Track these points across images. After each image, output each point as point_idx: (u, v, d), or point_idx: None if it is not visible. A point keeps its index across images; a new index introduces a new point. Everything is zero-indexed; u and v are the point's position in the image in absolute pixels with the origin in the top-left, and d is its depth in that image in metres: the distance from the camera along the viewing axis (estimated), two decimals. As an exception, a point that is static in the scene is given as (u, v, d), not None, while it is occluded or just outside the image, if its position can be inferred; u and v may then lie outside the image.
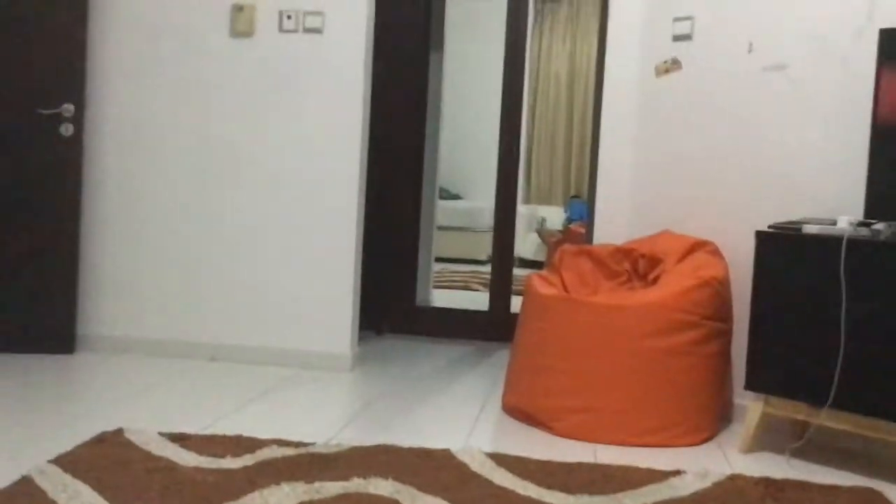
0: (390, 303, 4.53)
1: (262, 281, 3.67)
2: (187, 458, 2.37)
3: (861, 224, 2.59)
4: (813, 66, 2.96)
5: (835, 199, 2.89)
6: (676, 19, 3.34)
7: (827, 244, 2.53)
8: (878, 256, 2.45)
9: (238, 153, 3.67)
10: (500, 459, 2.50)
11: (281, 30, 3.59)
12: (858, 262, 2.47)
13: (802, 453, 2.77)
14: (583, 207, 6.62)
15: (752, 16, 3.12)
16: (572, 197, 7.76)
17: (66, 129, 3.59)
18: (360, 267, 3.72)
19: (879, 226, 2.58)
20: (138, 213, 3.73)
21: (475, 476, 2.35)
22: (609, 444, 2.79)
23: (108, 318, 3.76)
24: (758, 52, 3.10)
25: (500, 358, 4.05)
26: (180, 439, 2.53)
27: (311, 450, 2.49)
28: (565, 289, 3.22)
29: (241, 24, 3.60)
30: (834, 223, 2.64)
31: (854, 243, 2.48)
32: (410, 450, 2.54)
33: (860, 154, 2.74)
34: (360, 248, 3.71)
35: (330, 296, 3.64)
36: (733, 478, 2.44)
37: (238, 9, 3.60)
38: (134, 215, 3.73)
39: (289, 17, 3.57)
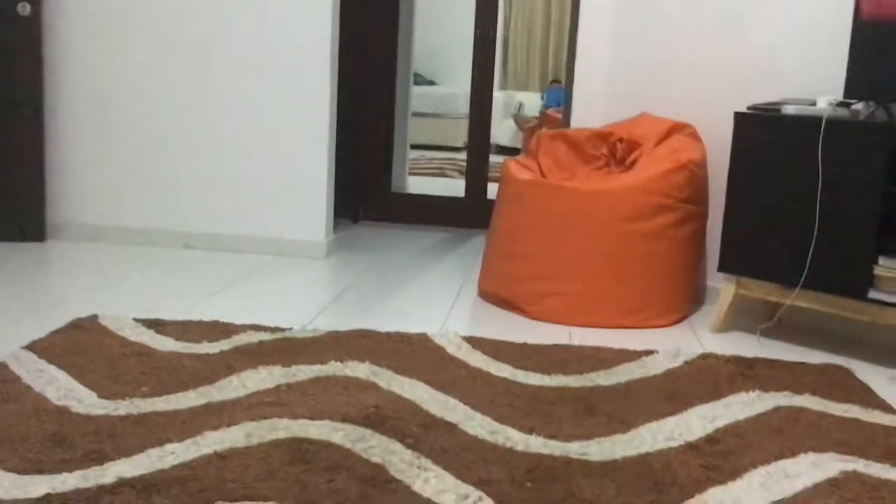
0: (366, 190, 4.49)
1: (236, 168, 3.61)
2: (163, 343, 2.37)
3: (840, 104, 2.56)
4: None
5: (816, 81, 2.84)
6: None
7: (806, 124, 2.50)
8: (855, 136, 2.43)
9: (208, 40, 3.53)
10: (476, 342, 2.52)
11: None
12: (836, 143, 2.45)
13: (773, 333, 2.82)
14: (560, 94, 6.52)
15: None
16: (552, 82, 7.63)
17: (24, 9, 3.43)
18: (333, 154, 3.65)
19: (858, 106, 2.56)
20: (107, 100, 3.62)
21: (452, 359, 2.38)
22: (584, 326, 2.82)
23: (78, 206, 3.69)
24: (743, -75, 2.98)
25: (477, 244, 4.05)
26: (156, 325, 2.53)
27: (287, 335, 2.50)
28: (542, 174, 3.19)
29: None
30: (814, 104, 2.61)
31: (833, 123, 2.46)
32: (387, 334, 2.56)
33: (843, 34, 2.68)
34: (334, 136, 3.64)
35: (304, 183, 3.59)
36: (705, 356, 2.49)
37: None
38: (102, 101, 3.62)
39: None
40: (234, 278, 3.23)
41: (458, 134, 5.91)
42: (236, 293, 3.03)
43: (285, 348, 2.37)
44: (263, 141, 3.58)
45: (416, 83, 5.82)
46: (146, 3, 3.54)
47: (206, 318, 2.65)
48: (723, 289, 2.81)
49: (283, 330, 2.55)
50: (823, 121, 2.45)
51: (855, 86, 2.54)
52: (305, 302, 2.97)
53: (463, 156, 4.64)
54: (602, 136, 3.26)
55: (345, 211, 4.35)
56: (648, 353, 2.51)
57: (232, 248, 3.64)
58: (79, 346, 2.31)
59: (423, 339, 2.52)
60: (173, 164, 3.63)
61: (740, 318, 2.93)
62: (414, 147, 5.38)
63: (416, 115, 5.32)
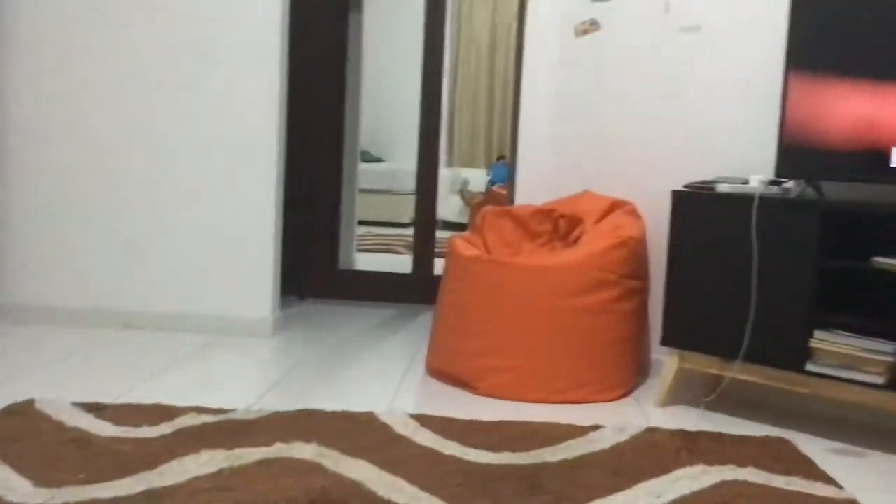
0: (313, 267, 4.49)
1: (179, 244, 3.58)
2: (102, 428, 2.31)
3: (772, 183, 2.66)
4: (727, 28, 3.00)
5: (748, 159, 2.95)
6: (595, -20, 3.34)
7: (739, 202, 2.59)
8: (787, 214, 2.52)
9: (152, 113, 3.54)
10: (423, 420, 2.51)
11: (193, -14, 3.48)
12: (769, 220, 2.54)
13: (717, 405, 2.86)
14: (505, 170, 6.65)
15: (668, -23, 3.15)
16: (497, 158, 7.78)
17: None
18: (280, 231, 3.65)
19: (789, 184, 2.66)
20: (43, 173, 3.58)
21: (399, 437, 2.36)
22: (531, 401, 2.82)
23: (10, 285, 3.62)
24: (674, 13, 3.13)
25: (424, 320, 4.05)
26: (94, 409, 2.46)
27: (231, 416, 2.45)
28: (487, 250, 3.23)
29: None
30: (746, 182, 2.71)
31: (765, 201, 2.55)
32: (334, 414, 2.53)
33: (772, 114, 2.80)
34: (281, 212, 3.65)
35: (250, 259, 3.57)
36: (650, 431, 2.51)
37: (146, -37, 3.47)
38: (38, 174, 3.58)
39: (200, -28, 3.45)
40: (176, 358, 3.17)
41: (406, 210, 5.96)
42: (178, 374, 2.98)
43: (229, 430, 2.33)
44: (207, 217, 3.56)
45: (363, 160, 5.88)
46: (83, 75, 3.55)
47: (147, 401, 2.59)
48: (666, 362, 2.85)
49: (226, 411, 2.50)
50: (756, 199, 2.55)
51: (785, 165, 2.65)
52: (250, 382, 2.93)
53: (410, 232, 4.68)
54: (545, 213, 3.33)
55: (291, 288, 4.33)
56: (595, 427, 2.52)
57: (174, 328, 3.59)
58: (13, 432, 2.24)
59: (370, 418, 2.50)
60: (111, 241, 3.59)
61: (685, 391, 2.97)
62: (362, 223, 5.41)
63: (363, 191, 5.36)
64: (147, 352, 3.25)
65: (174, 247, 3.58)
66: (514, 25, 4.24)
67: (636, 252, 2.99)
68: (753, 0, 2.93)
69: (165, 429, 2.33)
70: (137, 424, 2.35)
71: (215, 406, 2.57)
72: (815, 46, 2.58)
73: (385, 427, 2.43)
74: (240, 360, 3.21)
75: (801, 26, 2.62)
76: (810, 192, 2.60)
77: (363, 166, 5.77)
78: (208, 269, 3.58)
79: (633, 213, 3.17)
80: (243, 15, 3.47)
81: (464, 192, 7.31)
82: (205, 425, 2.36)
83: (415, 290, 4.48)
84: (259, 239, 3.56)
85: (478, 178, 7.61)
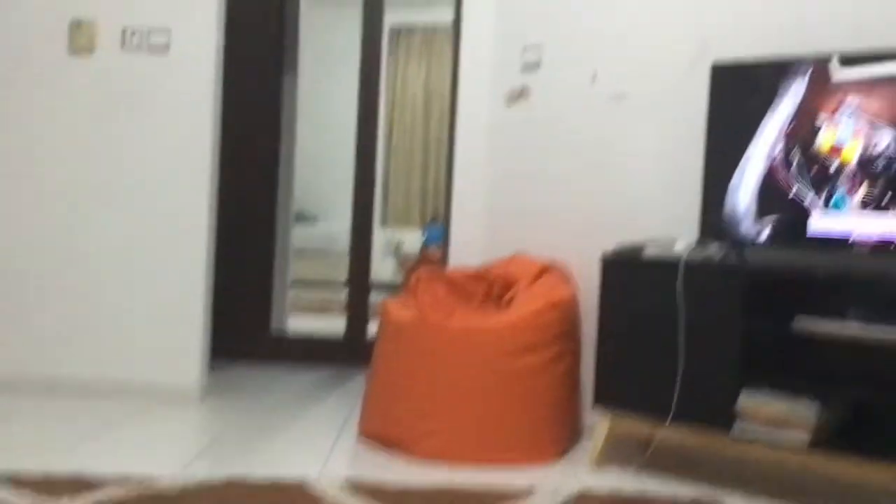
0: (244, 330, 4.41)
1: (105, 308, 3.49)
2: (21, 500, 2.20)
3: (697, 247, 2.73)
4: (651, 95, 3.12)
5: (674, 221, 3.04)
6: (525, 48, 3.44)
7: (666, 266, 2.66)
8: (711, 277, 2.59)
9: (76, 174, 3.48)
10: (355, 486, 2.46)
11: (124, 48, 3.45)
12: (695, 284, 2.60)
13: (649, 466, 2.88)
14: (439, 231, 6.70)
15: (595, 46, 3.26)
16: (432, 219, 7.83)
17: None
18: (210, 293, 3.60)
19: (714, 248, 2.74)
20: (-35, 239, 3.48)
21: (330, 505, 2.31)
22: (466, 464, 2.80)
23: (-70, 353, 3.47)
24: (601, 81, 3.24)
25: (357, 383, 4.01)
26: (13, 480, 2.35)
27: (155, 486, 2.37)
28: (421, 313, 3.23)
29: (80, 41, 3.43)
30: (673, 246, 2.78)
31: (690, 265, 2.62)
32: (262, 482, 2.47)
33: (696, 179, 2.89)
34: (211, 274, 3.60)
35: (179, 323, 3.50)
36: (583, 493, 2.51)
37: (76, 25, 3.43)
38: (-40, 241, 3.48)
39: (133, 34, 3.44)
40: (101, 426, 3.07)
41: (340, 271, 5.92)
42: (103, 442, 2.87)
43: (153, 500, 2.25)
44: (135, 279, 3.49)
45: (298, 220, 5.86)
46: (6, 141, 3.48)
47: (69, 472, 2.49)
48: (599, 424, 2.86)
49: (151, 481, 2.42)
50: (681, 263, 2.61)
51: (708, 229, 2.73)
52: (177, 449, 2.84)
53: (344, 293, 4.65)
54: (479, 276, 3.36)
55: (221, 351, 4.25)
56: (529, 492, 2.51)
57: (99, 394, 3.47)
58: (-79, 508, 2.12)
59: (300, 486, 2.44)
60: (32, 304, 3.48)
61: (618, 452, 2.98)
62: (295, 284, 5.37)
63: (297, 252, 5.33)
64: (70, 419, 3.13)
65: (99, 311, 3.49)
66: (448, 90, 4.34)
67: (568, 314, 3.02)
68: (676, 71, 3.05)
69: (87, 499, 2.24)
70: (58, 495, 2.26)
71: (140, 475, 2.48)
72: (734, 116, 2.69)
73: (316, 496, 2.38)
74: (167, 427, 3.12)
75: (720, 96, 2.73)
76: (733, 256, 2.68)
77: (298, 226, 5.75)
78: (135, 333, 3.49)
79: (565, 275, 3.21)
80: (177, 73, 3.46)
81: (398, 254, 7.33)
82: (128, 496, 2.27)
83: (348, 352, 4.44)
84: (188, 302, 3.50)
85: (412, 239, 7.64)
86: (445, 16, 5.89)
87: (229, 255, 4.22)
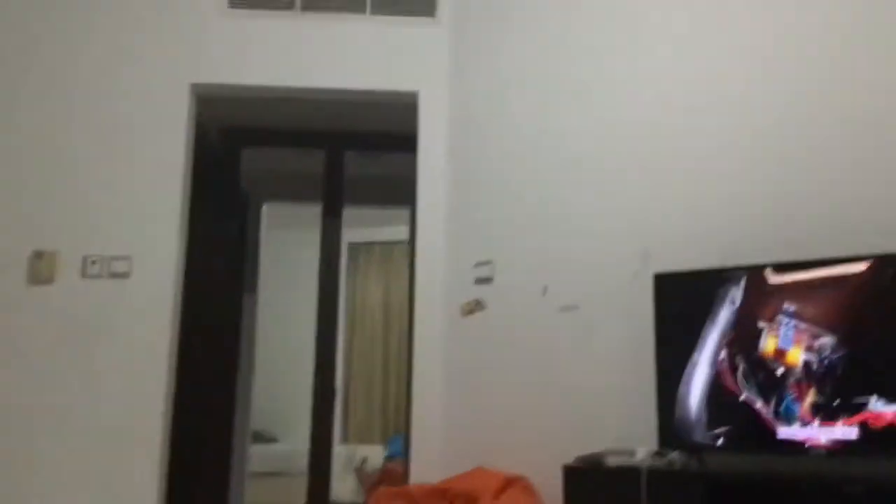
0: (197, 560, 4.18)
1: (49, 545, 3.30)
2: None
3: (657, 454, 2.72)
4: (600, 306, 3.21)
5: (633, 429, 3.03)
6: (478, 263, 3.57)
7: (628, 476, 2.63)
8: (672, 485, 2.57)
9: (31, 401, 3.41)
10: None
11: (84, 276, 3.50)
12: (657, 491, 2.57)
13: None
14: (402, 443, 6.56)
15: (545, 261, 3.39)
16: (395, 433, 7.68)
17: None
18: (162, 523, 3.44)
19: (673, 455, 2.73)
20: None
21: None
22: None
23: None
24: (552, 294, 3.34)
25: None
26: None
27: None
28: (382, 535, 3.12)
29: (40, 272, 3.48)
30: (633, 454, 2.76)
31: (652, 473, 2.60)
32: None
33: (650, 387, 2.92)
34: (164, 500, 3.45)
35: (126, 558, 3.32)
36: None
37: (38, 256, 3.50)
38: None
39: (93, 262, 3.51)
40: None
41: (300, 493, 5.73)
42: None
43: None
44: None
45: (256, 440, 5.72)
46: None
47: None
48: None
49: None
50: (644, 471, 2.59)
51: (667, 436, 2.73)
52: None
53: (303, 516, 4.48)
54: (440, 492, 3.27)
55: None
56: None
57: None
58: None
59: None
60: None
61: None
62: (252, 508, 5.15)
63: (255, 474, 5.17)
64: None
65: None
66: (406, 304, 4.44)
67: (533, 530, 2.93)
68: (623, 281, 3.17)
69: None
70: None
71: None
72: (679, 325, 2.78)
73: None
74: None
75: (664, 306, 2.83)
76: (694, 464, 2.67)
77: (256, 447, 5.61)
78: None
79: (528, 489, 3.15)
80: (137, 298, 3.50)
81: (360, 471, 7.11)
82: None
83: (308, 580, 4.20)
84: (138, 533, 3.34)
85: (375, 454, 7.44)
86: (401, 234, 6.12)
87: (183, 481, 4.06)
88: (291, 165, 5.02)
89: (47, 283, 3.49)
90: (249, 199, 4.90)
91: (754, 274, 2.67)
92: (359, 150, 4.73)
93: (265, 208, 5.08)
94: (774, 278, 2.64)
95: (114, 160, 3.62)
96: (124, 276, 3.51)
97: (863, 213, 2.73)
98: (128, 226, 3.56)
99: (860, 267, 2.50)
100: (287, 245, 7.22)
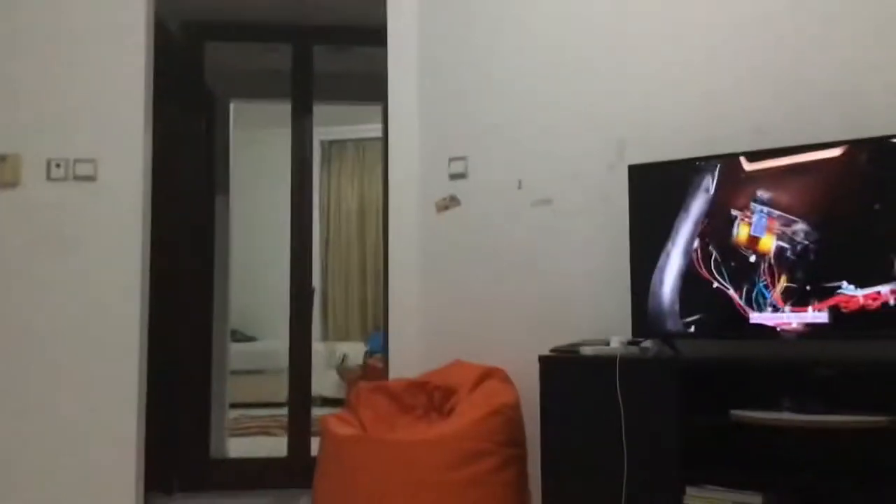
0: (181, 458, 4.25)
1: (28, 440, 3.34)
2: None
3: (631, 343, 2.77)
4: (575, 199, 3.20)
5: (607, 319, 3.07)
6: (452, 159, 3.53)
7: (602, 364, 2.67)
8: (647, 373, 2.62)
9: (4, 311, 3.39)
10: None
11: (49, 178, 3.43)
12: (631, 379, 2.62)
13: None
14: (382, 339, 6.64)
15: (519, 155, 3.36)
16: (374, 329, 7.77)
17: None
18: (144, 421, 3.48)
19: (647, 344, 2.77)
20: None
21: None
22: (415, 586, 2.70)
23: None
24: (527, 188, 3.32)
25: (303, 505, 3.88)
26: None
27: None
28: (363, 428, 3.17)
29: (4, 175, 3.40)
30: (608, 344, 2.81)
31: (626, 361, 2.64)
32: None
33: (624, 277, 2.95)
34: (144, 401, 3.49)
35: (110, 455, 3.36)
36: None
37: (1, 159, 3.41)
38: None
39: (57, 165, 3.42)
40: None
41: (281, 389, 5.82)
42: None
43: None
44: (61, 408, 3.36)
45: (234, 340, 5.77)
46: (-62, 279, 3.39)
47: None
48: (549, 530, 2.81)
49: None
50: (618, 360, 2.64)
51: (640, 325, 2.77)
52: None
53: (286, 412, 4.55)
54: (419, 385, 3.32)
55: (158, 482, 4.08)
56: None
57: (27, 538, 3.29)
58: None
59: None
60: (-39, 449, 3.32)
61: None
62: (234, 406, 5.23)
63: (235, 372, 5.22)
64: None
65: (25, 444, 3.33)
66: (381, 201, 4.39)
67: (511, 419, 3.00)
68: (599, 173, 3.15)
69: None
70: None
71: None
72: (653, 215, 2.77)
73: None
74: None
75: (638, 197, 2.83)
76: (666, 351, 2.71)
77: (235, 346, 5.65)
78: (64, 466, 3.34)
79: (506, 379, 3.20)
80: (101, 195, 3.44)
81: (341, 367, 7.22)
82: None
83: (292, 473, 4.30)
84: (120, 433, 3.37)
85: (355, 351, 7.55)
86: (375, 131, 6.02)
87: (164, 380, 4.10)
88: (258, 61, 4.88)
89: (12, 186, 3.41)
90: (216, 97, 4.77)
91: (728, 162, 2.66)
92: (328, 45, 4.59)
93: (233, 106, 4.95)
94: (748, 166, 2.63)
95: (72, 58, 3.49)
96: (90, 178, 3.44)
97: (836, 101, 2.71)
98: (90, 127, 3.46)
99: (834, 153, 2.49)
100: (257, 144, 7.10)
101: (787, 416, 2.43)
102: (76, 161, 3.44)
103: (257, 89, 5.08)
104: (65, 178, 3.43)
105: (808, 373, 2.50)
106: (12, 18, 3.49)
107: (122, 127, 3.48)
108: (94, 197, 3.44)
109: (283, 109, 4.61)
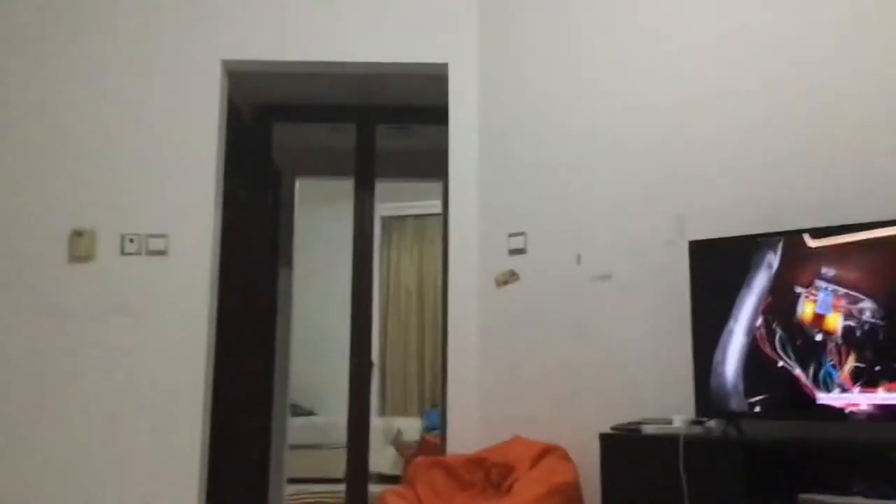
0: (239, 531, 4.26)
1: (96, 516, 3.39)
2: None
3: (694, 422, 2.71)
4: (635, 275, 3.19)
5: (670, 398, 3.02)
6: (511, 235, 3.56)
7: (665, 443, 2.62)
8: (712, 453, 2.56)
9: (75, 381, 3.48)
10: None
11: (122, 252, 3.56)
12: (695, 460, 2.56)
13: None
14: (439, 416, 6.61)
15: (578, 231, 3.38)
16: (433, 405, 7.73)
17: None
18: (205, 492, 3.51)
19: (711, 423, 2.72)
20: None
21: None
22: None
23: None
24: (585, 263, 3.33)
25: (358, 583, 3.83)
26: None
27: None
28: (420, 503, 3.15)
29: (80, 250, 3.54)
30: (670, 422, 2.76)
31: (690, 441, 2.59)
32: None
33: (686, 354, 2.91)
34: (206, 472, 3.52)
35: (171, 528, 3.39)
36: None
37: (77, 234, 3.56)
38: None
39: (131, 240, 3.56)
40: None
41: (338, 465, 5.81)
42: None
43: None
44: (125, 485, 3.41)
45: (294, 414, 5.80)
46: (6, 350, 3.51)
47: None
48: None
49: None
50: (681, 439, 2.58)
51: (703, 404, 2.72)
52: None
53: (343, 487, 4.53)
54: (477, 462, 3.29)
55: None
56: None
57: None
58: None
59: None
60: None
61: None
62: (292, 482, 5.23)
63: (294, 447, 5.24)
64: None
65: (91, 517, 3.39)
66: (440, 276, 4.44)
67: (571, 498, 2.95)
68: (659, 248, 3.14)
69: None
70: None
71: None
72: (715, 292, 2.75)
73: None
74: None
75: (700, 273, 2.81)
76: (732, 431, 2.65)
77: (294, 420, 5.68)
78: (126, 539, 3.37)
79: (565, 457, 3.16)
80: (171, 269, 3.55)
81: (397, 442, 7.18)
82: None
83: (348, 549, 4.27)
84: (182, 504, 3.41)
85: (412, 427, 7.51)
86: (434, 207, 6.12)
87: (225, 453, 4.14)
88: (323, 140, 5.04)
89: (87, 260, 3.55)
90: (282, 175, 4.93)
91: (791, 239, 2.63)
92: (390, 124, 4.73)
93: (298, 183, 5.11)
94: (812, 243, 2.60)
95: (148, 138, 3.65)
96: (162, 253, 3.56)
97: (903, 175, 2.68)
98: (163, 203, 3.60)
99: (901, 230, 2.45)
100: (321, 220, 7.27)
101: (858, 501, 2.34)
102: (149, 236, 3.57)
103: (322, 167, 5.24)
104: (138, 253, 3.56)
105: (880, 456, 2.42)
106: (92, 102, 3.67)
107: (194, 204, 3.61)
108: (164, 270, 3.56)
109: (346, 186, 4.74)
